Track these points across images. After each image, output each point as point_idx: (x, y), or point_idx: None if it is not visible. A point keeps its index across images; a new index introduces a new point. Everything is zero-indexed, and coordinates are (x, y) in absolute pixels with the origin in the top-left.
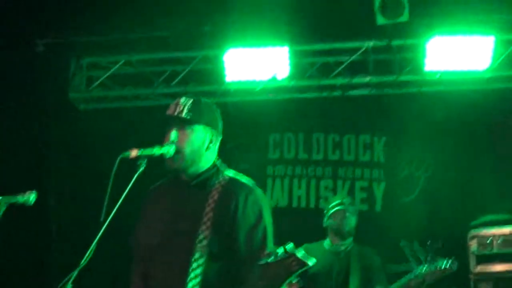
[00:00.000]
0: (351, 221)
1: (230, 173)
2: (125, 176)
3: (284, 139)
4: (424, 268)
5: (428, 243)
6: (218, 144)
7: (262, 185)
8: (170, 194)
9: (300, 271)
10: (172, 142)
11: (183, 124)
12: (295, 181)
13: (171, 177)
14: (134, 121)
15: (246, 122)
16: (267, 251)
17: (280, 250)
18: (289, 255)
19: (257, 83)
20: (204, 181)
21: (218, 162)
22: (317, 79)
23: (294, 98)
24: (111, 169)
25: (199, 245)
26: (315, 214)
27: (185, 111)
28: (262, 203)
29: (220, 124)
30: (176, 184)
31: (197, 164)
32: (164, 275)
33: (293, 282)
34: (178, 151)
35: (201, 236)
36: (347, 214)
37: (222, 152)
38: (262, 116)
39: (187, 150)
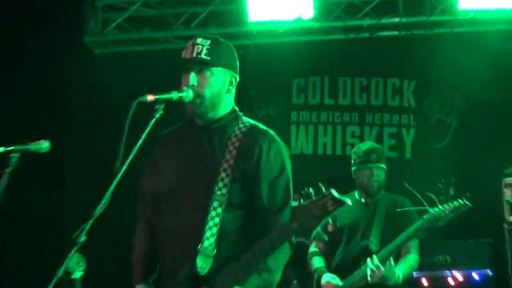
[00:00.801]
0: (379, 177)
1: (249, 120)
2: (142, 122)
3: (308, 83)
4: (437, 210)
5: (441, 183)
6: (236, 87)
7: (286, 132)
8: (186, 139)
9: (335, 210)
10: (191, 86)
11: (201, 66)
12: (321, 127)
13: (186, 122)
14: (152, 65)
15: (269, 66)
16: (298, 195)
17: (312, 192)
18: (325, 195)
19: (281, 24)
20: (224, 126)
21: (236, 108)
22: (343, 20)
23: (319, 40)
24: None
25: (218, 193)
26: (342, 160)
27: (203, 52)
28: (284, 153)
29: (238, 65)
30: (192, 129)
31: (217, 108)
32: (177, 225)
33: (330, 222)
34: (197, 95)
35: (220, 184)
36: (375, 171)
37: (245, 98)
38: (286, 59)
39: (207, 93)
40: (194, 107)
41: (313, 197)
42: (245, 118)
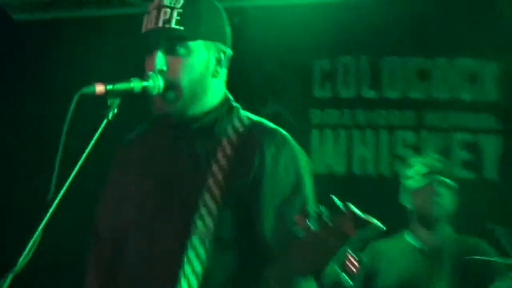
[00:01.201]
0: (445, 200)
1: (248, 114)
2: (87, 123)
3: (337, 66)
4: None
5: None
6: (227, 65)
7: (304, 140)
8: (156, 147)
9: (360, 236)
10: (159, 71)
11: (172, 41)
12: (356, 133)
13: (155, 122)
14: (95, 38)
15: (277, 41)
16: (305, 213)
17: (326, 211)
18: (342, 214)
19: None
20: (211, 124)
21: (230, 96)
22: None
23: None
24: (64, 113)
25: (199, 224)
26: (389, 184)
27: (173, 19)
28: (301, 159)
29: (229, 33)
30: (164, 132)
31: (199, 100)
32: (143, 273)
33: (350, 255)
34: (169, 85)
35: (203, 211)
36: (438, 189)
37: (242, 88)
38: (302, 30)
39: (184, 81)
40: (165, 104)
41: (323, 219)
42: (243, 112)
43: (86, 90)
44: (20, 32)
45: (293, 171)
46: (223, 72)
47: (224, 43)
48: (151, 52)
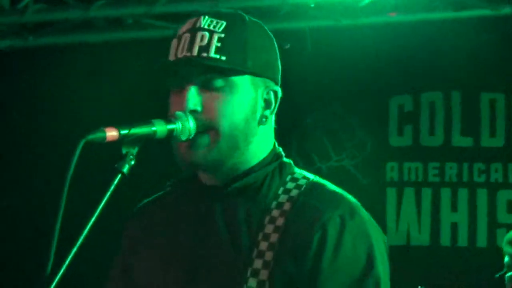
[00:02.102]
0: None
1: (305, 174)
2: (92, 180)
3: (421, 105)
4: None
5: None
6: (276, 109)
7: (377, 203)
8: (182, 215)
9: None
10: (191, 112)
11: (210, 74)
12: (446, 193)
13: (183, 181)
14: (101, 66)
15: (342, 72)
16: None
17: None
18: None
19: None
20: (257, 185)
21: (281, 151)
22: None
23: (442, 20)
24: (63, 163)
25: None
26: (490, 259)
27: (213, 46)
28: (372, 235)
29: (280, 70)
30: (195, 194)
31: (242, 152)
32: None
33: None
34: (204, 129)
35: None
36: None
37: (294, 133)
38: (375, 59)
39: (224, 124)
40: (197, 153)
41: None
42: (298, 171)
43: (93, 136)
44: (7, 61)
45: (364, 252)
46: (272, 119)
47: (276, 81)
48: (181, 86)
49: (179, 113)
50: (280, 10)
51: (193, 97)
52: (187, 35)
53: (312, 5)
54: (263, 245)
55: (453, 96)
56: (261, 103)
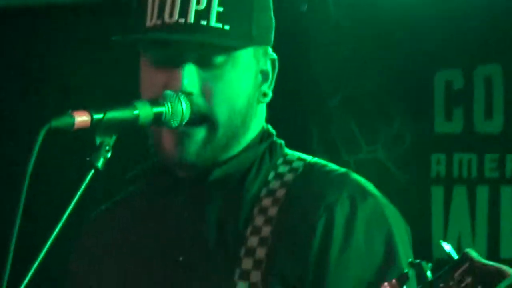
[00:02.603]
0: None
1: (301, 155)
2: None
3: (475, 82)
4: None
5: None
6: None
7: (420, 202)
8: (146, 216)
9: None
10: (186, 95)
11: (212, 49)
12: (507, 192)
13: (144, 174)
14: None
15: (375, 40)
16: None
17: (426, 265)
18: (456, 263)
19: None
20: (242, 172)
21: (269, 128)
22: None
23: None
24: (25, 154)
25: None
26: None
27: (213, 13)
28: (392, 220)
29: (273, 22)
30: (162, 192)
31: (237, 143)
32: None
33: None
34: (200, 116)
35: None
36: None
37: (315, 118)
38: (415, 22)
39: (222, 111)
40: (188, 150)
41: (430, 276)
42: (291, 152)
43: (58, 122)
44: None
45: (381, 242)
46: (269, 93)
47: (270, 44)
48: (170, 62)
49: (169, 92)
50: None
51: (190, 75)
52: None
53: None
54: (253, 241)
55: None
56: (260, 77)
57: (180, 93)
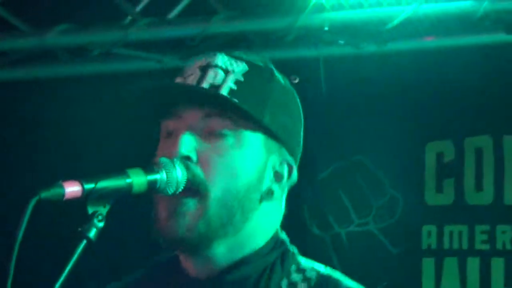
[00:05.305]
0: None
1: (313, 265)
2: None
3: (466, 154)
4: None
5: None
6: (287, 190)
7: (412, 275)
8: None
9: None
10: (184, 159)
11: (218, 117)
12: (497, 263)
13: (157, 266)
14: (75, 106)
15: (366, 112)
16: None
17: None
18: None
19: (392, 8)
20: (256, 277)
21: (285, 237)
22: None
23: (490, 45)
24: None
25: None
26: None
27: (226, 86)
28: None
29: (301, 146)
30: (174, 284)
31: (235, 230)
32: None
33: None
34: (194, 186)
35: None
36: None
37: (302, 191)
38: (406, 95)
39: (216, 186)
40: (178, 224)
41: None
42: (303, 260)
43: (48, 193)
44: None
45: None
46: (279, 197)
47: (292, 153)
48: (176, 133)
49: (163, 159)
50: (286, 35)
51: (188, 140)
52: (196, 72)
53: (326, 28)
54: None
55: (505, 141)
56: (270, 174)
57: (175, 160)
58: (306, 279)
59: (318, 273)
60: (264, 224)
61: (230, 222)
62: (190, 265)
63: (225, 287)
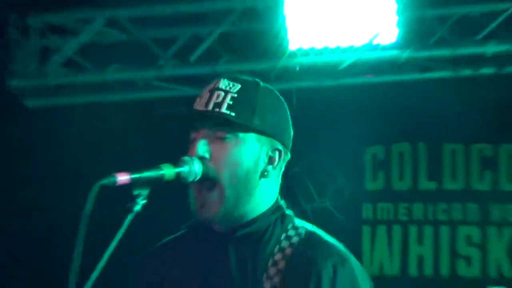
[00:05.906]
0: None
1: (304, 224)
2: (108, 221)
3: (392, 155)
4: None
5: None
6: (283, 168)
7: (354, 239)
8: (195, 254)
9: None
10: (200, 158)
11: (221, 128)
12: (413, 230)
13: (193, 225)
14: (123, 124)
15: (324, 127)
16: None
17: None
18: None
19: (343, 55)
20: (261, 232)
21: (283, 203)
22: (451, 46)
23: (408, 83)
24: (79, 205)
25: None
26: (451, 285)
27: (225, 104)
28: (360, 281)
29: (289, 133)
30: (205, 236)
31: (245, 203)
32: None
33: None
34: (209, 175)
35: None
36: None
37: (284, 181)
38: (352, 114)
39: (226, 174)
40: (209, 211)
41: None
42: (298, 221)
43: (106, 181)
44: (33, 118)
45: None
46: (275, 174)
47: (282, 141)
48: (196, 135)
49: (186, 157)
50: (271, 73)
51: (202, 145)
52: (208, 93)
53: (297, 69)
54: (267, 285)
55: (419, 146)
56: (264, 159)
57: (194, 157)
58: (298, 234)
59: (306, 230)
60: (265, 195)
61: (240, 197)
62: (216, 225)
63: (239, 238)
